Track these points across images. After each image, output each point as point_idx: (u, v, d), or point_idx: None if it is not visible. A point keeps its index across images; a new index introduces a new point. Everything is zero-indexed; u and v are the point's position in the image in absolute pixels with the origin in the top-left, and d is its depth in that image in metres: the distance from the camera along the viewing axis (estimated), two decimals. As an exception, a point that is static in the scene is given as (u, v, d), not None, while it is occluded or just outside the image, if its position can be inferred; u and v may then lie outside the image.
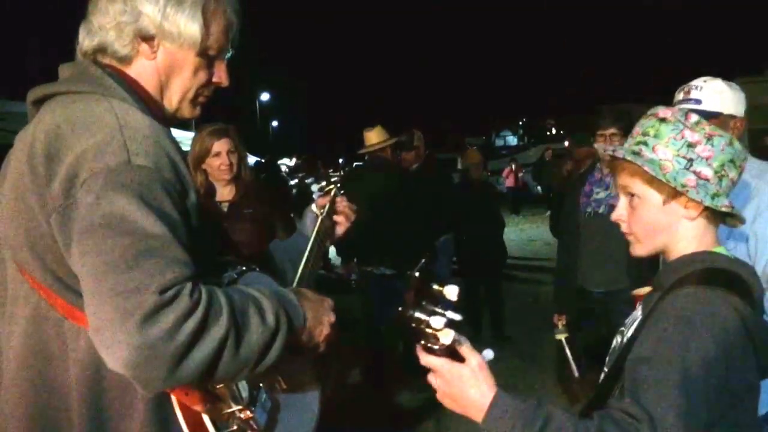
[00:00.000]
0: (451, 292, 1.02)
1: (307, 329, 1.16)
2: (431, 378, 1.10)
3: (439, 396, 1.10)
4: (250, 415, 1.07)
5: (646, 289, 2.26)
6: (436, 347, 1.04)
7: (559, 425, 1.01)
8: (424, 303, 1.03)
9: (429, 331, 1.02)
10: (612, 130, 2.99)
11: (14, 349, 1.11)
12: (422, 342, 1.05)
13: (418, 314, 1.02)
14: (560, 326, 3.27)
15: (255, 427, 1.08)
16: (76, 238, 0.99)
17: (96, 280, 0.95)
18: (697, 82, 2.06)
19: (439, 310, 1.01)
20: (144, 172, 1.02)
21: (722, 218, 1.21)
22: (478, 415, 1.06)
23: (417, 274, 1.11)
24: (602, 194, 3.06)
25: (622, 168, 1.22)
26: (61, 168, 1.03)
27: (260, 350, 1.03)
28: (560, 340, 3.23)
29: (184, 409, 1.05)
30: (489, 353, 1.09)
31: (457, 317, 1.01)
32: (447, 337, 1.02)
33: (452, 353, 1.06)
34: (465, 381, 1.06)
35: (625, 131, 2.96)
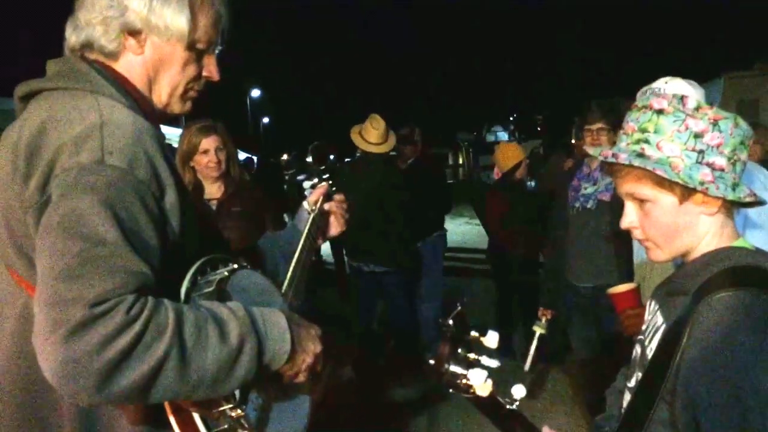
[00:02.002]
0: (491, 340, 0.97)
1: (292, 357, 1.12)
2: None
3: None
4: (242, 414, 1.06)
5: (623, 287, 2.27)
6: (469, 395, 0.99)
7: None
8: (459, 351, 0.96)
9: (464, 381, 0.97)
10: (599, 125, 2.98)
11: (3, 348, 1.11)
12: (452, 390, 1.00)
13: (453, 369, 0.96)
14: (543, 321, 3.29)
15: (246, 425, 1.07)
16: (38, 234, 0.98)
17: (41, 284, 0.94)
18: (659, 84, 2.04)
19: (475, 357, 0.95)
20: (115, 173, 0.99)
21: (739, 205, 1.11)
22: None
23: (450, 322, 1.02)
24: (590, 189, 3.06)
25: (626, 172, 1.11)
26: (40, 165, 1.02)
27: (218, 370, 0.99)
28: (534, 332, 3.25)
29: (175, 407, 1.04)
30: (521, 390, 1.02)
31: (495, 364, 0.96)
32: (485, 391, 0.97)
33: (491, 400, 1.00)
34: None
35: (613, 125, 2.95)
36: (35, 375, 1.06)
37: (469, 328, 0.99)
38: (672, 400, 1.04)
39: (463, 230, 13.19)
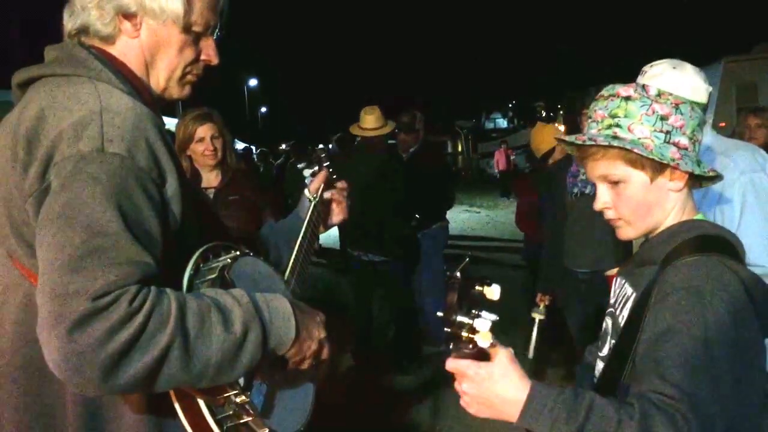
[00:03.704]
0: (494, 292, 0.99)
1: (297, 343, 1.13)
2: (457, 385, 1.04)
3: (467, 402, 1.04)
4: (246, 400, 1.06)
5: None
6: (467, 351, 1.00)
7: (601, 413, 0.97)
8: (464, 305, 0.99)
9: (465, 334, 0.98)
10: None
11: (6, 336, 1.11)
12: (452, 346, 1.01)
13: (461, 318, 0.98)
14: (541, 306, 3.29)
15: (251, 411, 1.08)
16: (39, 224, 0.98)
17: (44, 275, 0.94)
18: (646, 67, 2.05)
19: (479, 312, 0.97)
20: (116, 161, 0.99)
21: (698, 183, 1.22)
22: (513, 414, 1.00)
23: (458, 274, 1.06)
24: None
25: (600, 155, 1.18)
26: (39, 152, 1.01)
27: (222, 359, 0.99)
28: (534, 319, 3.25)
29: (179, 393, 1.05)
30: (489, 317, 1.01)
31: (493, 317, 0.98)
32: (486, 340, 0.98)
33: (480, 355, 1.01)
34: (497, 379, 1.00)
35: None
36: (39, 362, 1.06)
37: (474, 280, 1.01)
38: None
39: (463, 218, 13.22)
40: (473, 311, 0.99)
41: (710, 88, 1.99)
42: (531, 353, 3.21)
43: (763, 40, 9.77)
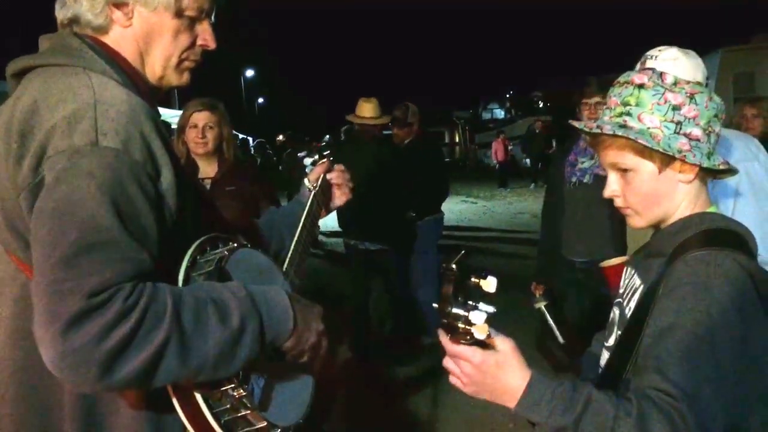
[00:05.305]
0: (490, 284, 0.98)
1: (295, 335, 1.13)
2: (448, 363, 1.05)
3: (465, 384, 1.05)
4: (244, 393, 1.06)
5: (615, 261, 2.28)
6: (464, 342, 1.01)
7: (599, 407, 0.98)
8: (459, 297, 0.99)
9: (462, 326, 0.99)
10: (597, 99, 2.97)
11: (3, 329, 1.10)
12: (450, 337, 1.02)
13: (456, 310, 0.98)
14: (538, 295, 3.29)
15: (249, 405, 1.07)
16: (33, 218, 0.97)
17: (38, 272, 0.93)
18: (653, 51, 2.04)
19: (475, 304, 0.97)
20: (110, 155, 0.98)
21: (713, 175, 1.19)
22: (512, 401, 1.02)
23: (454, 266, 1.06)
24: (587, 163, 3.06)
25: (609, 144, 1.17)
26: (33, 145, 1.00)
27: (220, 353, 0.99)
28: (539, 308, 3.24)
29: (177, 387, 1.04)
30: (486, 309, 1.02)
31: (491, 310, 0.98)
32: (482, 333, 0.98)
33: (480, 344, 1.02)
34: (500, 366, 1.01)
35: None
36: (35, 356, 1.05)
37: (470, 273, 1.01)
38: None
39: (459, 209, 13.23)
40: (470, 303, 0.98)
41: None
42: (561, 338, 3.17)
43: (761, 30, 9.75)
